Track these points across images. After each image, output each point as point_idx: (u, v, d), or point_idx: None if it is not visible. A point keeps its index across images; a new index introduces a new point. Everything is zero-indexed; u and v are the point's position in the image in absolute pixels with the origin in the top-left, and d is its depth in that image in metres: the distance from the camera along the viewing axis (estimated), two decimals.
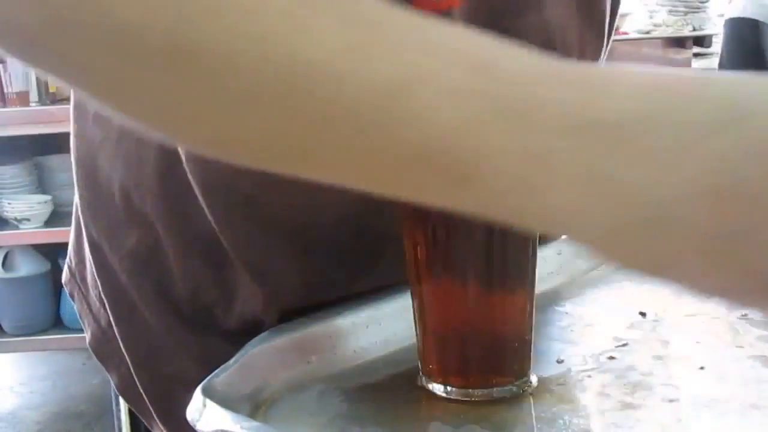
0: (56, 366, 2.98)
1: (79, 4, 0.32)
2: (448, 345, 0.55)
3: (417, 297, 0.55)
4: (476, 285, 0.53)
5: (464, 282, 0.53)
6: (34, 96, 2.52)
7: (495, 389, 0.54)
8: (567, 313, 0.67)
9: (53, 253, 2.60)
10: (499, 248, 0.52)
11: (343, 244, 0.61)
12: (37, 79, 2.51)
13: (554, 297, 0.69)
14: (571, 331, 0.63)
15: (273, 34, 0.32)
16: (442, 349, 0.55)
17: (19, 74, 2.48)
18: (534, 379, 0.55)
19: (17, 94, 2.49)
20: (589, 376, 0.55)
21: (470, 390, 0.54)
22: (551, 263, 0.73)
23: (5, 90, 2.50)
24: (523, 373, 0.55)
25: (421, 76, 0.32)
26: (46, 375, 2.94)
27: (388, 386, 0.56)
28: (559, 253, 0.75)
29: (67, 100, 2.67)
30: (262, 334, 0.57)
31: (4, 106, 2.49)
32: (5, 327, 2.62)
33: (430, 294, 0.54)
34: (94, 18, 0.32)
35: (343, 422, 0.52)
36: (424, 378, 0.55)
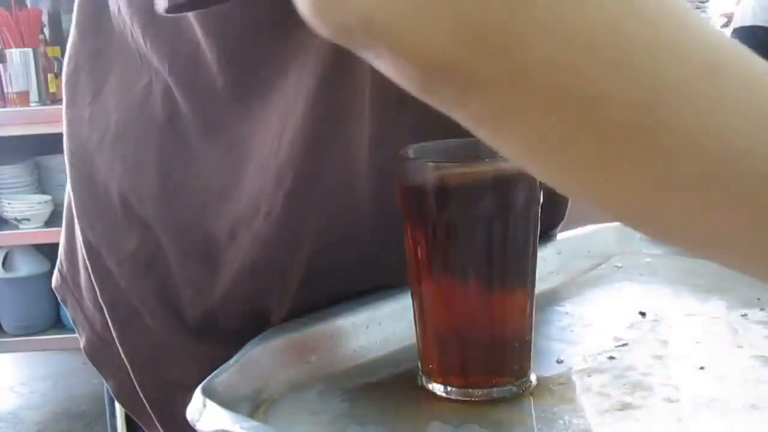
0: (57, 366, 2.98)
1: (549, 67, 0.31)
2: (448, 345, 0.55)
3: (417, 297, 0.55)
4: (476, 285, 0.53)
5: (464, 282, 0.53)
6: (34, 96, 2.51)
7: (495, 389, 0.54)
8: (567, 313, 0.67)
9: (53, 253, 2.57)
10: (499, 248, 0.52)
11: (356, 243, 0.61)
12: (38, 79, 2.51)
13: (554, 297, 0.69)
14: (571, 331, 0.63)
15: (735, 128, 0.32)
16: (442, 349, 0.55)
17: (19, 74, 2.48)
18: (534, 378, 0.55)
19: (17, 94, 2.49)
20: (589, 376, 0.55)
21: (470, 390, 0.54)
22: (551, 263, 0.73)
23: (5, 90, 2.49)
24: (523, 373, 0.55)
25: None
26: (47, 375, 2.94)
27: (388, 386, 0.56)
28: (559, 253, 0.75)
29: None
30: (262, 334, 0.57)
31: (4, 106, 2.49)
32: (5, 327, 2.62)
33: (430, 294, 0.54)
34: (562, 82, 0.31)
35: (344, 422, 0.52)
36: (424, 378, 0.55)
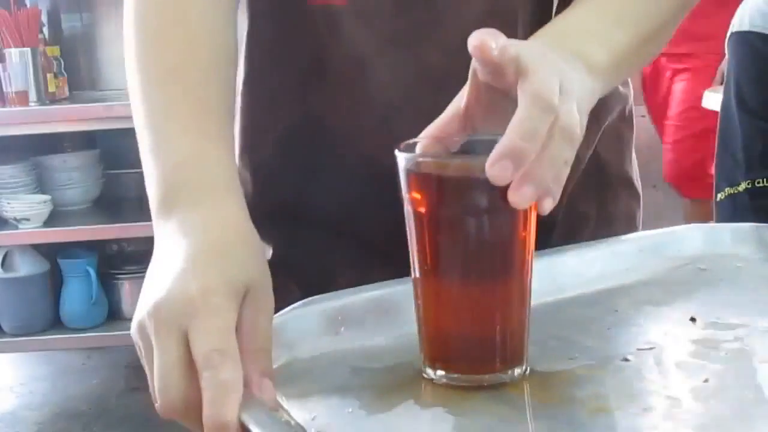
0: (56, 366, 2.97)
1: None
2: (447, 335, 0.55)
3: (417, 287, 0.56)
4: (475, 276, 0.53)
5: (463, 274, 0.54)
6: (33, 96, 2.51)
7: (491, 376, 0.54)
8: (616, 311, 0.65)
9: (53, 253, 2.59)
10: (496, 241, 0.53)
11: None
12: (36, 79, 2.51)
13: (610, 295, 0.68)
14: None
15: None
16: (442, 339, 0.55)
17: (18, 74, 2.47)
18: (528, 370, 0.55)
19: (17, 93, 2.48)
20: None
21: (471, 376, 0.54)
22: (627, 260, 0.71)
23: (5, 90, 2.49)
24: (519, 362, 0.55)
25: None
26: (46, 375, 2.94)
27: (390, 374, 0.56)
28: (640, 251, 0.73)
29: (66, 100, 2.66)
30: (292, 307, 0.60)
31: (4, 106, 2.49)
32: (5, 327, 2.62)
33: (430, 285, 0.55)
34: None
35: (343, 416, 0.51)
36: (425, 367, 0.56)
